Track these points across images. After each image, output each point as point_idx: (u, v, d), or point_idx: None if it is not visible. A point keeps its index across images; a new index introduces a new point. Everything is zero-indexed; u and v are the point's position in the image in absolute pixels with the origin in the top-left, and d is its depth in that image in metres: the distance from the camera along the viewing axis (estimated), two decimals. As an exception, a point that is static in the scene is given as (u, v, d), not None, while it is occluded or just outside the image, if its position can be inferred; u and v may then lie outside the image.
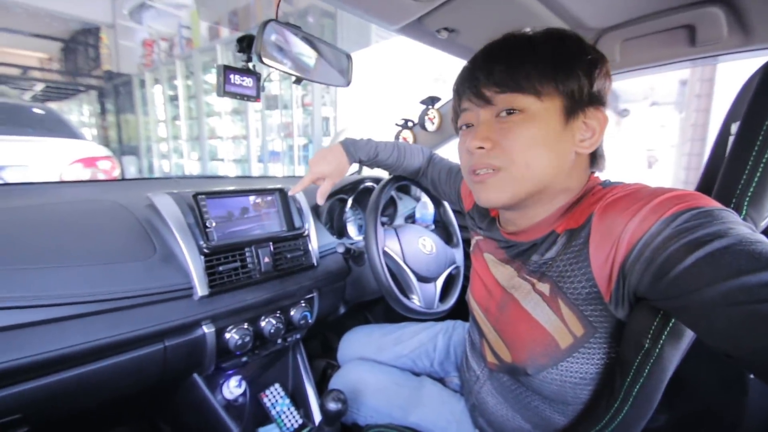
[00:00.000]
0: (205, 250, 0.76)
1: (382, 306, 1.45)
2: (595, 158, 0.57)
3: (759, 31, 0.69)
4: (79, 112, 8.32)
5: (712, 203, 0.40)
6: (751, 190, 0.45)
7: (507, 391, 0.62)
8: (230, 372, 0.89)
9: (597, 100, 0.52)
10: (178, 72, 6.07)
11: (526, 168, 0.51)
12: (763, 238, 0.35)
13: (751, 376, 0.59)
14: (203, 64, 5.63)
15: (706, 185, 0.63)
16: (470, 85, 0.55)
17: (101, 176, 3.17)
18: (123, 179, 2.08)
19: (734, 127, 0.58)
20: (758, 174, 0.45)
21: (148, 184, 1.14)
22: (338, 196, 1.17)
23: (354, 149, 0.89)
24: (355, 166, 1.16)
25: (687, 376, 0.49)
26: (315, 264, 0.96)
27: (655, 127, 3.59)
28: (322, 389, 1.09)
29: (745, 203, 0.45)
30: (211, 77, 5.69)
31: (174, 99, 6.40)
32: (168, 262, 0.73)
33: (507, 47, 0.53)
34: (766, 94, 0.47)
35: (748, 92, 0.56)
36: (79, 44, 7.71)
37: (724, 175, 0.49)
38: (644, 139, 3.63)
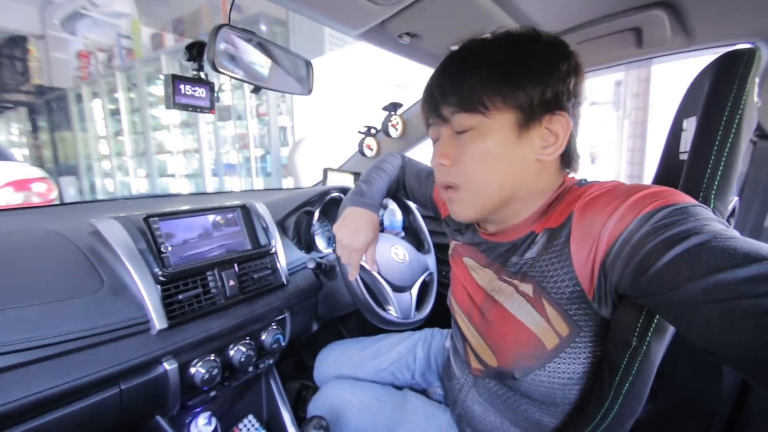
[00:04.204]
0: (161, 278, 0.69)
1: (355, 319, 1.41)
2: (568, 160, 0.56)
3: (699, 32, 0.74)
4: (7, 131, 7.56)
5: (686, 199, 0.41)
6: (716, 183, 0.47)
7: (494, 396, 0.61)
8: (198, 409, 0.81)
9: (555, 106, 0.50)
10: (119, 84, 5.70)
11: (484, 184, 0.52)
12: (736, 233, 0.36)
13: None
14: (147, 75, 5.34)
15: (664, 179, 0.66)
16: (430, 101, 0.56)
17: (36, 200, 2.88)
18: (62, 203, 1.90)
19: (686, 123, 0.61)
20: (721, 167, 0.47)
21: (90, 208, 1.04)
22: (304, 208, 1.12)
23: (372, 200, 0.81)
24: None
25: (666, 366, 0.50)
26: (285, 282, 0.91)
27: (596, 125, 3.84)
28: (298, 413, 1.04)
29: (712, 196, 0.47)
30: (156, 89, 5.40)
31: (116, 113, 5.99)
32: (118, 295, 0.66)
33: (457, 61, 0.53)
34: (721, 89, 0.49)
35: (698, 89, 0.58)
36: (3, 57, 7.04)
37: (689, 170, 0.51)
38: (586, 136, 3.88)
